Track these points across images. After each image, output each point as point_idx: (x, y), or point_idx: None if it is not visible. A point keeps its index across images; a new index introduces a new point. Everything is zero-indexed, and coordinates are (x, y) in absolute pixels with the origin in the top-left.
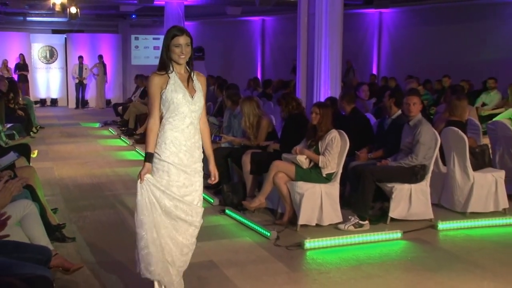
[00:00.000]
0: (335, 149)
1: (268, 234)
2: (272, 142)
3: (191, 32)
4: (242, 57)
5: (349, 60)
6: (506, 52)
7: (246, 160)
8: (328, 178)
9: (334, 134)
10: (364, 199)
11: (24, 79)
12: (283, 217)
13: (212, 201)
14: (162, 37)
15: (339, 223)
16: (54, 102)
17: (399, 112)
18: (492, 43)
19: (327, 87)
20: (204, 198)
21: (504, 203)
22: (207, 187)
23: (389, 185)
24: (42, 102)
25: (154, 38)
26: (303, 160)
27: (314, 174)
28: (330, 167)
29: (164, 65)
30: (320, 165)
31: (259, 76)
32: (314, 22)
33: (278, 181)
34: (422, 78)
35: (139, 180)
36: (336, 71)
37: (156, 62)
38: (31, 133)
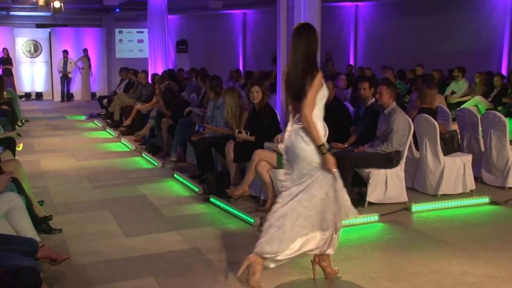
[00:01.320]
0: None
1: (252, 221)
2: (244, 132)
3: (175, 25)
4: (224, 49)
5: (328, 51)
6: (474, 43)
7: (229, 149)
8: None
9: None
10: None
11: (8, 73)
12: (266, 204)
13: (196, 189)
14: (146, 30)
15: None
16: (39, 96)
17: (373, 100)
18: (462, 34)
19: None
20: (188, 187)
21: (471, 185)
22: (192, 176)
23: (366, 170)
24: (27, 96)
25: (138, 32)
26: (282, 147)
27: None
28: None
29: (317, 65)
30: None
31: (241, 67)
32: (293, 15)
33: (260, 169)
34: (396, 68)
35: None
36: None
37: (140, 55)
38: (16, 126)
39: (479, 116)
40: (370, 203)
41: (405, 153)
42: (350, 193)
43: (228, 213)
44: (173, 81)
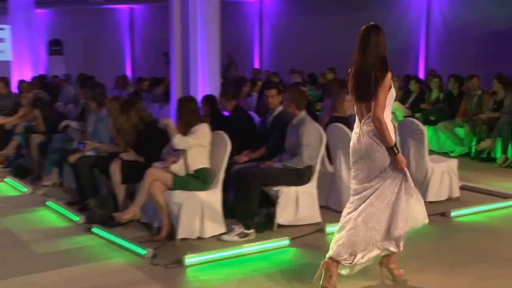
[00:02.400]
0: (201, 136)
1: (144, 252)
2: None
3: (46, 22)
4: (108, 51)
5: (230, 53)
6: (389, 43)
7: (115, 169)
8: (204, 180)
9: (199, 126)
10: (248, 205)
11: None
12: (161, 232)
13: (76, 219)
14: (7, 26)
15: (223, 233)
16: None
17: (281, 108)
18: None
19: (206, 83)
20: (65, 216)
21: None
22: (69, 203)
23: (275, 188)
24: None
25: None
26: (177, 168)
27: (194, 180)
28: (198, 160)
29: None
30: (174, 141)
31: (128, 73)
32: (188, 11)
33: (154, 190)
34: (307, 72)
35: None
36: (215, 65)
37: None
38: None
39: (396, 124)
40: (279, 226)
41: (318, 168)
42: (257, 215)
43: (115, 244)
44: (46, 89)
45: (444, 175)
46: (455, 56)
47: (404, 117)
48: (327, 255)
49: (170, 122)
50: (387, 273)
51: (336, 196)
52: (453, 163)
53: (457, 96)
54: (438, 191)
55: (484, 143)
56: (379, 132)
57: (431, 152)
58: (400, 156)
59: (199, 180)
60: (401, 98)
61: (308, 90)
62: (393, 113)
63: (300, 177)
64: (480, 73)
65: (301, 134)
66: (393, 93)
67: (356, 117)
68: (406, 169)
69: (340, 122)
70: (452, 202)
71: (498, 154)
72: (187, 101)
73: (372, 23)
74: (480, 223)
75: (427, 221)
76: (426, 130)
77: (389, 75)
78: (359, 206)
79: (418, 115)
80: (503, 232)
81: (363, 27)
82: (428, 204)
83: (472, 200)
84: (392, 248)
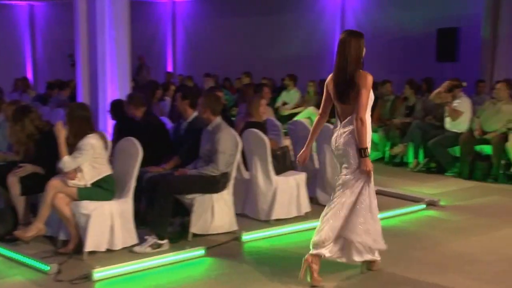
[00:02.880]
0: (88, 151)
1: (47, 268)
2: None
3: None
4: (5, 51)
5: (141, 55)
6: (305, 48)
7: (13, 180)
8: (108, 188)
9: (87, 140)
10: (161, 215)
11: None
12: (69, 244)
13: None
14: None
15: (135, 245)
16: None
17: (195, 114)
18: (291, 39)
19: (115, 87)
20: None
21: (306, 207)
22: None
23: (189, 197)
24: None
25: None
26: (77, 182)
27: (99, 190)
28: (96, 172)
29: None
30: (62, 164)
31: (29, 75)
32: (95, 10)
33: (58, 203)
34: (223, 76)
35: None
36: (124, 68)
37: None
38: None
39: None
40: (194, 235)
41: (233, 175)
42: (170, 225)
43: (15, 261)
44: None
45: None
46: (369, 61)
47: None
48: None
49: (60, 131)
50: (307, 270)
51: (253, 203)
52: None
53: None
54: None
55: (397, 148)
56: (359, 132)
57: None
58: (369, 159)
59: (103, 189)
60: (318, 103)
61: (224, 95)
62: (309, 118)
63: (215, 184)
64: (393, 78)
65: (216, 141)
66: (372, 96)
67: (337, 119)
68: (371, 173)
69: (256, 128)
70: None
71: (410, 158)
72: (77, 108)
73: (351, 29)
74: (394, 227)
75: (384, 247)
76: None
77: (370, 77)
78: (334, 204)
79: (333, 120)
80: (415, 235)
81: (343, 33)
82: None
83: (386, 204)
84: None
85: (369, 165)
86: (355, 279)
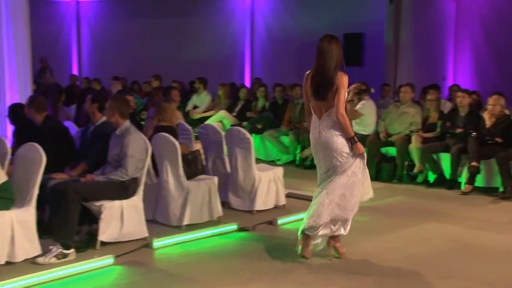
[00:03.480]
0: None
1: None
2: None
3: None
4: None
5: (44, 57)
6: (215, 50)
7: None
8: (5, 197)
9: None
10: (67, 223)
11: None
12: None
13: None
14: None
15: (38, 256)
16: None
17: (104, 118)
18: (201, 41)
19: (15, 89)
20: None
21: (218, 211)
22: None
23: (97, 203)
24: None
25: None
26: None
27: None
28: None
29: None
30: None
31: None
32: None
33: None
34: (131, 79)
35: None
36: (25, 69)
37: None
38: None
39: (223, 133)
40: (103, 243)
41: (143, 180)
42: (77, 233)
43: None
44: None
45: (270, 184)
46: (279, 65)
47: (231, 125)
48: (300, 231)
49: None
50: (334, 251)
51: (163, 208)
52: (279, 171)
53: (282, 105)
54: (265, 200)
55: (307, 151)
56: (343, 125)
57: (259, 160)
58: (359, 143)
59: (7, 200)
60: (229, 107)
61: (133, 99)
62: (221, 122)
63: (124, 190)
64: (302, 82)
65: (125, 145)
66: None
67: (314, 115)
68: (364, 153)
69: (167, 132)
70: (279, 210)
71: None
72: None
73: (331, 34)
74: None
75: (370, 197)
76: (252, 138)
77: (346, 77)
78: (325, 186)
79: (245, 123)
80: None
81: (323, 36)
82: (256, 212)
83: (297, 207)
84: (342, 231)
85: (362, 148)
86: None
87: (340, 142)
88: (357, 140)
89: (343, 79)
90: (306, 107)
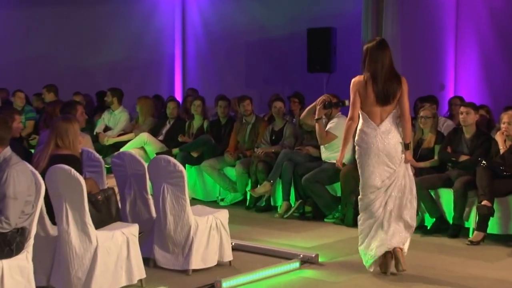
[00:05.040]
0: None
1: None
2: None
3: None
4: None
5: None
6: (133, 50)
7: None
8: None
9: None
10: None
11: None
12: None
13: None
14: None
15: None
16: None
17: None
18: (116, 39)
19: None
20: None
21: (139, 272)
22: None
23: None
24: None
25: None
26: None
27: None
28: None
29: None
30: None
31: None
32: None
33: None
34: (13, 89)
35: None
36: None
37: None
38: None
39: (145, 165)
40: None
41: (34, 231)
42: None
43: None
44: None
45: (212, 233)
46: (222, 71)
47: (157, 154)
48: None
49: None
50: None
51: (63, 270)
52: (223, 215)
53: (226, 125)
54: (205, 255)
55: (261, 188)
56: (407, 129)
57: (195, 201)
58: (410, 150)
59: None
60: (152, 128)
61: (22, 117)
62: (141, 148)
63: (5, 245)
64: (253, 94)
65: (3, 182)
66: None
67: (370, 121)
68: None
69: (67, 162)
70: (223, 268)
71: (279, 201)
72: None
73: (380, 37)
74: None
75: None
76: (186, 171)
77: (405, 80)
78: (385, 198)
79: (175, 151)
80: None
81: (376, 41)
82: (193, 272)
83: (248, 264)
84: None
85: (410, 156)
86: None
87: (400, 149)
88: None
89: (406, 83)
90: (353, 114)
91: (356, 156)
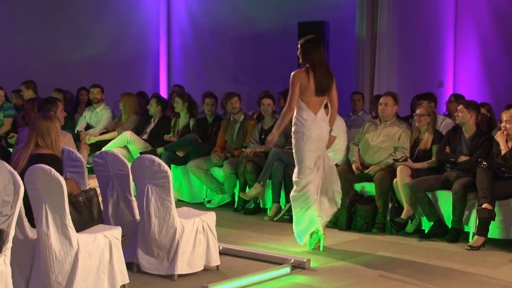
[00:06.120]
0: None
1: None
2: None
3: None
4: None
5: None
6: (116, 44)
7: None
8: None
9: None
10: None
11: None
12: None
13: None
14: None
15: None
16: None
17: None
18: (95, 30)
19: None
20: None
21: (122, 277)
22: None
23: None
24: None
25: None
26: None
27: None
28: None
29: None
30: None
31: None
32: None
33: None
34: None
35: None
36: None
37: None
38: None
39: (129, 165)
40: None
41: (12, 233)
42: None
43: None
44: None
45: (198, 236)
46: (209, 67)
47: (140, 153)
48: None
49: None
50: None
51: (42, 275)
52: (210, 218)
53: (213, 123)
54: (191, 260)
55: (252, 190)
56: (334, 118)
57: (181, 203)
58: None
59: None
60: (136, 126)
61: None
62: (125, 147)
63: None
64: (242, 91)
65: None
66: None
67: (309, 110)
68: None
69: (47, 162)
70: (210, 273)
71: (269, 203)
72: None
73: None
74: None
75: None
76: (171, 171)
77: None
78: (317, 178)
79: (160, 150)
80: None
81: (308, 38)
82: (178, 278)
83: (236, 269)
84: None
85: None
86: None
87: (328, 135)
88: None
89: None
90: (293, 104)
91: (293, 142)
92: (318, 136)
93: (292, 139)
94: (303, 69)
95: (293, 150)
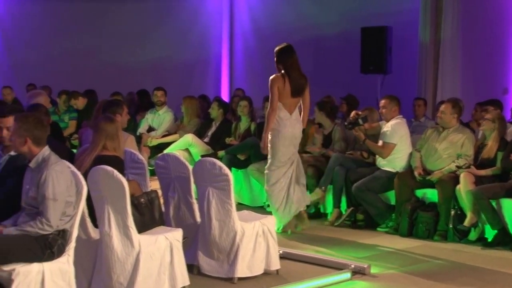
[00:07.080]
0: None
1: None
2: None
3: None
4: None
5: None
6: (179, 48)
7: None
8: None
9: None
10: None
11: None
12: None
13: None
14: None
15: None
16: None
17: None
18: (158, 34)
19: None
20: None
21: (183, 279)
22: None
23: (6, 268)
24: None
25: None
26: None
27: None
28: None
29: None
30: None
31: None
32: None
33: None
34: (58, 88)
35: None
36: None
37: None
38: None
39: (190, 167)
40: None
41: (75, 234)
42: None
43: None
44: None
45: (258, 240)
46: (270, 70)
47: (202, 156)
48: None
49: None
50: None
51: (104, 275)
52: (271, 222)
53: None
54: (251, 263)
55: (313, 195)
56: (306, 116)
57: (241, 206)
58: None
59: None
60: (198, 129)
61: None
62: (186, 150)
63: (46, 248)
64: None
65: (42, 182)
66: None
67: (285, 111)
68: None
69: (110, 164)
70: (270, 277)
71: (330, 208)
72: None
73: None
74: None
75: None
76: (232, 174)
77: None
78: (289, 173)
79: (221, 153)
80: None
81: (284, 46)
82: (238, 281)
83: (296, 273)
84: None
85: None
86: None
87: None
88: None
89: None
90: (275, 105)
91: (269, 138)
92: (292, 134)
93: (268, 135)
94: (279, 74)
95: (268, 146)
